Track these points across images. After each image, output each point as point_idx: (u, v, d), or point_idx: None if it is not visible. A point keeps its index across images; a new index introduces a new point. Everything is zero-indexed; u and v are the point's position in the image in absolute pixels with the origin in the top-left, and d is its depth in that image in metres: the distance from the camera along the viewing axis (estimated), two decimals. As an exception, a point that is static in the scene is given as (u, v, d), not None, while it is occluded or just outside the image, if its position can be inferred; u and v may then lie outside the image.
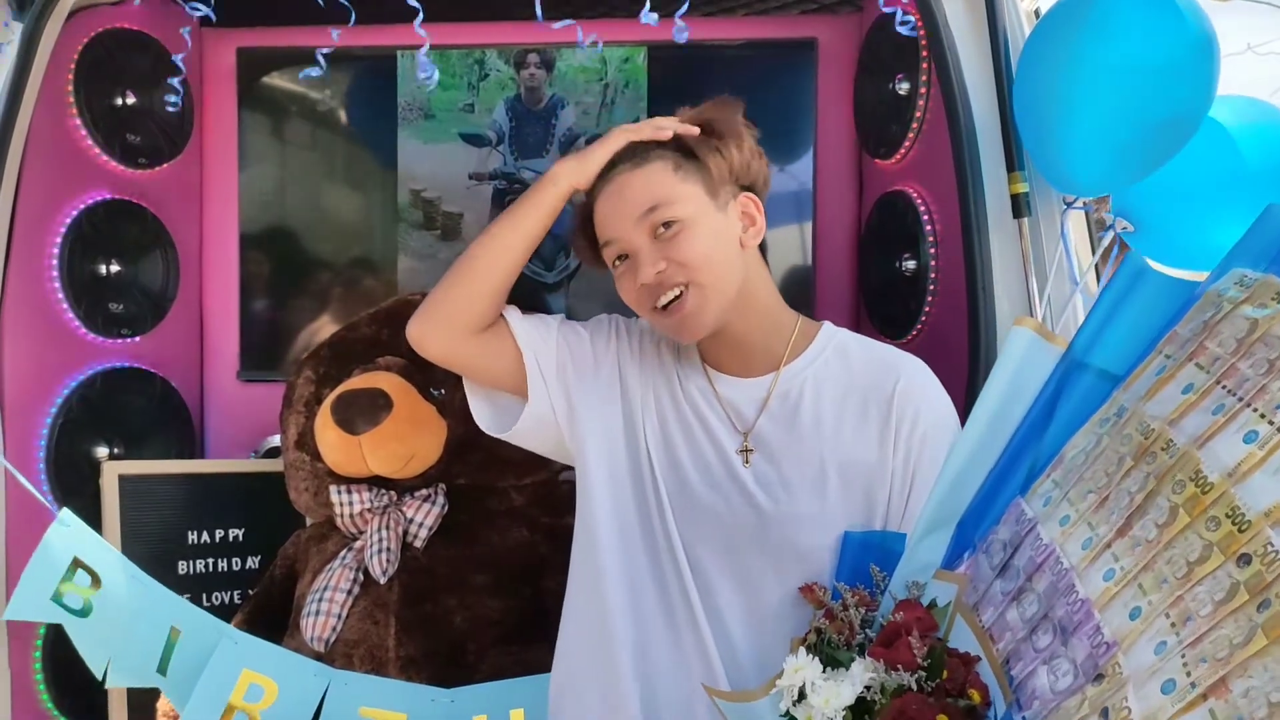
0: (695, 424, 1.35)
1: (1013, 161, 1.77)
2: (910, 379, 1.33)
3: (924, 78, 1.99)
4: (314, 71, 1.86)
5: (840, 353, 1.36)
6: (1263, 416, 0.98)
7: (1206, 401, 1.07)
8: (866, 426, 1.31)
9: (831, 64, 2.38)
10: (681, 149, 1.30)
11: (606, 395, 1.41)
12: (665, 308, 1.28)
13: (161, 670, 1.67)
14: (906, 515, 1.31)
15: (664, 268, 1.25)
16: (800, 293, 2.41)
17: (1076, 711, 0.98)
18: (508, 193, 2.45)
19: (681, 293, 1.26)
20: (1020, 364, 1.31)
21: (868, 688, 1.04)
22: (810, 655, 1.09)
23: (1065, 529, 1.15)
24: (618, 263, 1.32)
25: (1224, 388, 1.06)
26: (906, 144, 2.10)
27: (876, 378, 1.33)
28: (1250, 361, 1.04)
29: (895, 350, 1.40)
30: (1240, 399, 1.02)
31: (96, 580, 1.68)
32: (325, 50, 1.87)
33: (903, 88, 2.08)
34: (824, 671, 1.07)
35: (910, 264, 2.07)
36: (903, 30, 1.86)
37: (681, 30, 1.68)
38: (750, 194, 1.35)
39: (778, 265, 2.42)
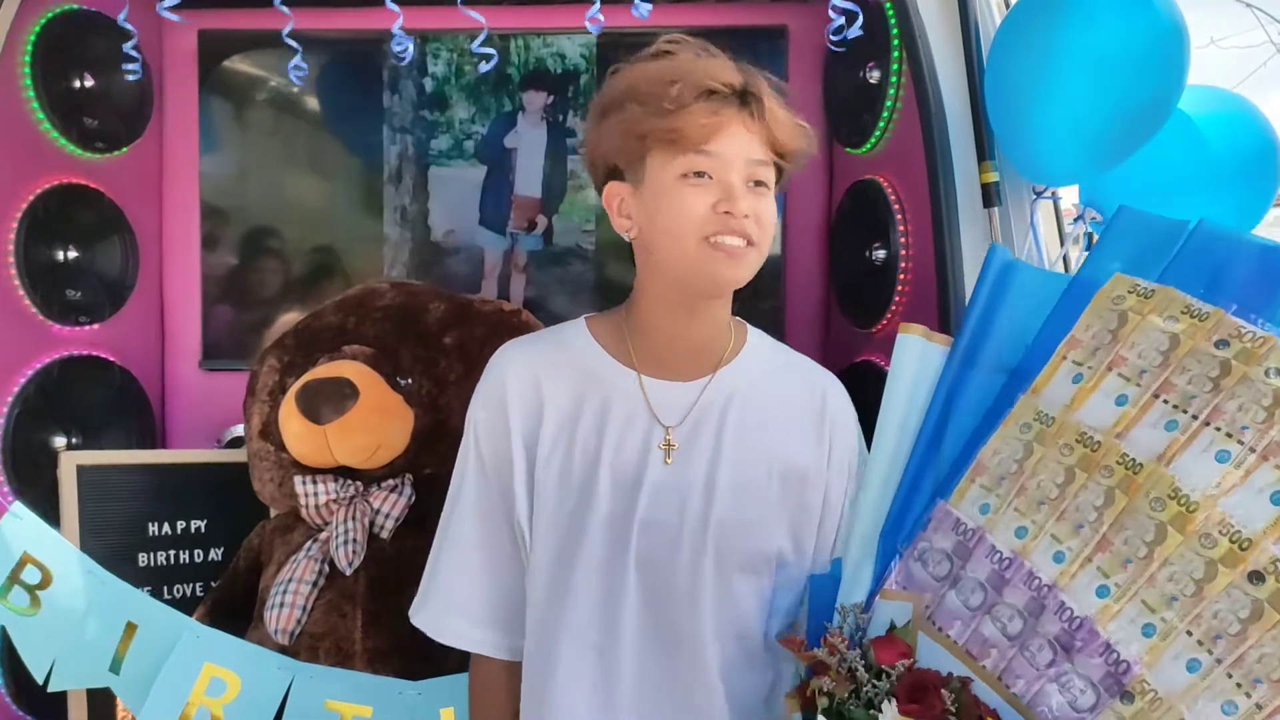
0: (619, 433, 1.32)
1: (983, 151, 1.77)
2: (837, 394, 1.40)
3: (895, 66, 1.98)
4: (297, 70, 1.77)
5: (772, 361, 1.39)
6: (1229, 436, 1.05)
7: (1150, 416, 1.12)
8: (804, 433, 1.35)
9: (802, 51, 2.37)
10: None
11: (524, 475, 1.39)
12: (723, 247, 1.25)
13: (114, 670, 1.63)
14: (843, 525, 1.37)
15: (749, 216, 1.25)
16: (770, 282, 2.40)
17: None
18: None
19: (746, 246, 1.26)
20: (916, 371, 1.36)
21: None
22: None
23: (1025, 541, 1.17)
24: (694, 176, 1.25)
25: (1165, 402, 1.11)
26: (877, 133, 2.09)
27: (807, 389, 1.39)
28: (1186, 377, 1.10)
29: (814, 363, 1.45)
30: (1195, 417, 1.08)
31: (47, 576, 1.64)
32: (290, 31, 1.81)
33: (874, 76, 2.08)
34: None
35: (880, 253, 2.06)
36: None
37: (640, 7, 1.67)
38: None
39: (748, 254, 2.41)
